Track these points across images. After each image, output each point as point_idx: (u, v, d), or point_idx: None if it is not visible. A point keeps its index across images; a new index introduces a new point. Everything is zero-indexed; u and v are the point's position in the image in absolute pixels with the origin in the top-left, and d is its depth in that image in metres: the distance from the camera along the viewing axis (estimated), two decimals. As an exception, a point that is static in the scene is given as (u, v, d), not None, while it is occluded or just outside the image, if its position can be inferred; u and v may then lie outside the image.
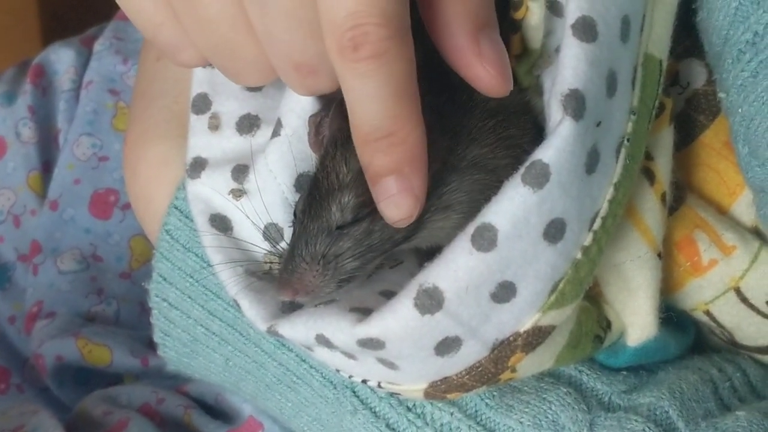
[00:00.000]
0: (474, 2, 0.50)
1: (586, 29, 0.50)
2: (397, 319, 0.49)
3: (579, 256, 0.52)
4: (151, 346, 0.90)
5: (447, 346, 0.51)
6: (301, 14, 0.48)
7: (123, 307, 0.98)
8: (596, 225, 0.52)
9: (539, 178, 0.48)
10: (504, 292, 0.50)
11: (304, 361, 0.63)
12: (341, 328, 0.51)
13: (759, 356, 0.67)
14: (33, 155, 1.05)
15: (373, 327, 0.50)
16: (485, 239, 0.48)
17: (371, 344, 0.51)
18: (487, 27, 0.50)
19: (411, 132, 0.48)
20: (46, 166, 1.05)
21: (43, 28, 1.77)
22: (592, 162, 0.50)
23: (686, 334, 0.68)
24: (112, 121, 1.05)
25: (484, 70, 0.50)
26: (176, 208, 0.64)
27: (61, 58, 1.09)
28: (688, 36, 0.61)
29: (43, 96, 1.07)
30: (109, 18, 1.13)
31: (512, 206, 0.48)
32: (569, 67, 0.50)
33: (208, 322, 0.65)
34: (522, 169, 0.49)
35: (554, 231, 0.49)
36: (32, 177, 1.04)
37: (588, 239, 0.52)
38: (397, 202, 0.49)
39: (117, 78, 1.06)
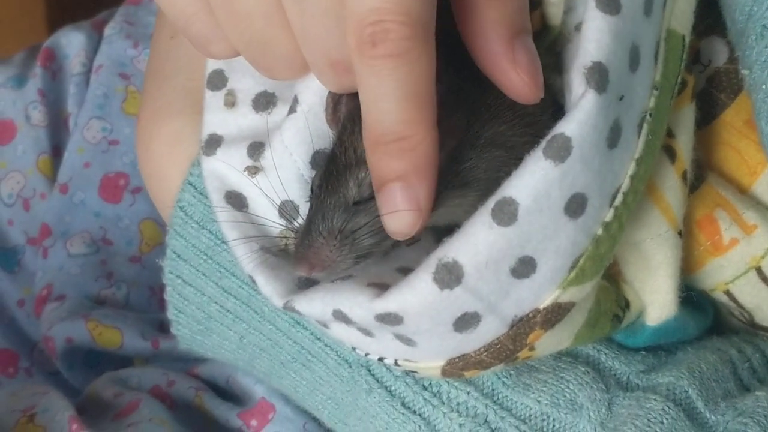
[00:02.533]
0: (511, 8, 0.49)
1: (609, 1, 0.50)
2: (416, 294, 0.49)
3: (600, 231, 0.51)
4: (162, 329, 0.91)
5: (465, 321, 0.51)
6: (340, 11, 0.47)
7: (133, 290, 0.98)
8: (617, 201, 0.51)
9: (561, 151, 0.48)
10: (524, 267, 0.49)
11: (319, 339, 0.63)
12: (359, 303, 0.51)
13: (778, 337, 0.67)
14: (43, 138, 1.05)
15: (392, 302, 0.50)
16: (506, 213, 0.48)
17: (389, 319, 0.50)
18: (522, 33, 0.50)
19: (423, 139, 0.47)
20: (56, 150, 1.05)
21: (50, 18, 1.77)
22: (614, 136, 0.50)
23: (705, 314, 0.67)
24: (123, 105, 1.04)
25: (517, 77, 0.49)
26: (190, 184, 0.63)
27: (72, 41, 1.09)
28: (710, 13, 0.61)
29: (53, 79, 1.07)
30: (115, 7, 1.12)
31: (533, 180, 0.48)
32: (592, 40, 0.49)
33: (223, 300, 0.64)
34: (543, 143, 0.48)
35: (575, 206, 0.49)
36: (42, 160, 1.04)
37: (609, 215, 0.51)
38: (399, 214, 0.49)
39: (127, 62, 1.06)
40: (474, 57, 0.50)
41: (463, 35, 0.50)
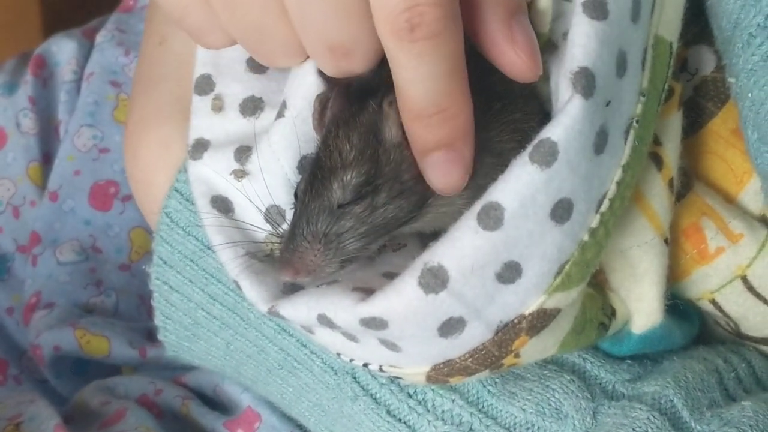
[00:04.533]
0: None
1: (596, 7, 0.50)
2: (401, 298, 0.49)
3: (586, 237, 0.51)
4: (150, 337, 0.90)
5: (451, 327, 0.50)
6: None
7: (122, 299, 0.97)
8: (604, 206, 0.51)
9: (547, 156, 0.48)
10: (509, 272, 0.49)
11: (304, 346, 0.63)
12: (344, 307, 0.51)
13: (764, 347, 0.67)
14: (33, 146, 1.04)
15: (376, 306, 0.49)
16: (491, 218, 0.48)
17: (374, 324, 0.50)
18: (519, 12, 0.51)
19: (463, 107, 0.49)
20: (47, 158, 1.05)
21: (45, 25, 1.77)
22: (600, 142, 0.50)
23: (691, 324, 0.67)
24: (113, 112, 1.04)
25: (516, 56, 0.50)
26: (177, 190, 0.63)
27: (63, 49, 1.09)
28: (697, 22, 0.61)
29: (44, 87, 1.07)
30: (108, 15, 1.12)
31: (519, 184, 0.48)
32: (579, 45, 0.50)
33: (209, 306, 0.64)
34: (530, 147, 0.48)
35: (561, 211, 0.49)
36: (32, 168, 1.04)
37: (595, 221, 0.51)
38: (449, 172, 0.50)
39: (118, 70, 1.06)
40: (471, 37, 0.51)
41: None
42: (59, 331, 0.90)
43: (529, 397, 0.60)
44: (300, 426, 0.72)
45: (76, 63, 1.07)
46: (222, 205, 0.59)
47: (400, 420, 0.61)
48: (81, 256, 0.99)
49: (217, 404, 0.82)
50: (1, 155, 1.04)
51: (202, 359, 0.70)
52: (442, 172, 0.50)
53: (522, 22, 0.50)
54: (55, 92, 1.07)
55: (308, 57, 0.54)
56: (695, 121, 0.64)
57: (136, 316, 0.97)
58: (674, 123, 0.60)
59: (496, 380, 0.60)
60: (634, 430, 0.57)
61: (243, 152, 0.59)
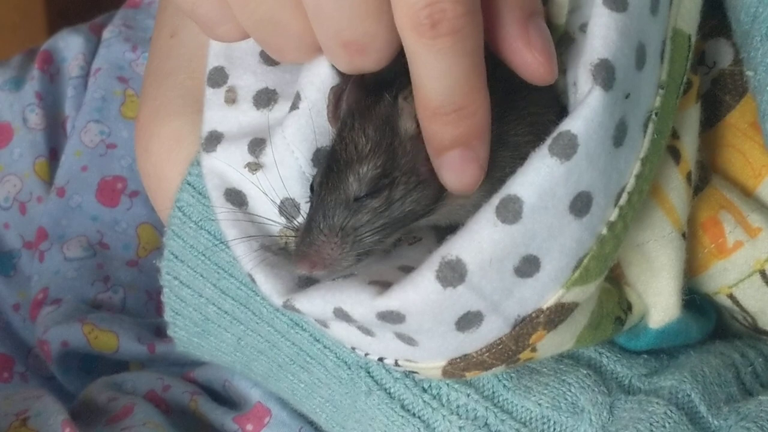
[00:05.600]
0: None
1: None
2: (419, 292, 0.48)
3: (604, 231, 0.51)
4: (158, 333, 0.90)
5: (468, 321, 0.50)
6: None
7: (129, 294, 0.97)
8: (622, 200, 0.51)
9: (567, 149, 0.47)
10: (528, 266, 0.49)
11: (318, 341, 0.62)
12: (360, 301, 0.50)
13: (782, 343, 0.67)
14: (40, 142, 1.04)
15: (394, 299, 0.49)
16: (510, 211, 0.47)
17: (391, 317, 0.50)
18: (536, 15, 0.50)
19: (480, 105, 0.49)
20: (53, 153, 1.05)
21: (50, 25, 1.77)
22: (620, 135, 0.49)
23: (708, 318, 0.67)
24: (121, 108, 1.04)
25: (533, 57, 0.50)
26: (189, 184, 0.62)
27: (70, 44, 1.08)
28: (714, 15, 0.61)
29: (50, 82, 1.06)
30: (114, 10, 1.12)
31: (538, 177, 0.47)
32: (599, 37, 0.49)
33: (220, 301, 0.64)
34: (549, 140, 0.48)
35: (580, 204, 0.49)
36: (39, 164, 1.04)
37: (614, 214, 0.51)
38: (463, 171, 0.50)
39: (126, 65, 1.06)
40: (487, 38, 0.50)
41: None
42: (67, 327, 0.89)
43: (545, 392, 0.59)
44: (311, 422, 0.71)
45: (83, 58, 1.07)
46: (236, 198, 0.59)
47: (414, 414, 0.60)
48: (88, 251, 0.99)
49: (226, 399, 0.81)
50: (7, 151, 1.04)
51: (212, 355, 0.69)
52: (457, 171, 0.50)
53: (539, 24, 0.50)
54: (62, 88, 1.07)
55: (320, 53, 0.53)
56: (713, 114, 0.63)
57: (144, 312, 0.96)
58: (692, 116, 0.59)
59: (512, 374, 0.60)
60: (651, 424, 0.57)
61: (257, 145, 0.58)
